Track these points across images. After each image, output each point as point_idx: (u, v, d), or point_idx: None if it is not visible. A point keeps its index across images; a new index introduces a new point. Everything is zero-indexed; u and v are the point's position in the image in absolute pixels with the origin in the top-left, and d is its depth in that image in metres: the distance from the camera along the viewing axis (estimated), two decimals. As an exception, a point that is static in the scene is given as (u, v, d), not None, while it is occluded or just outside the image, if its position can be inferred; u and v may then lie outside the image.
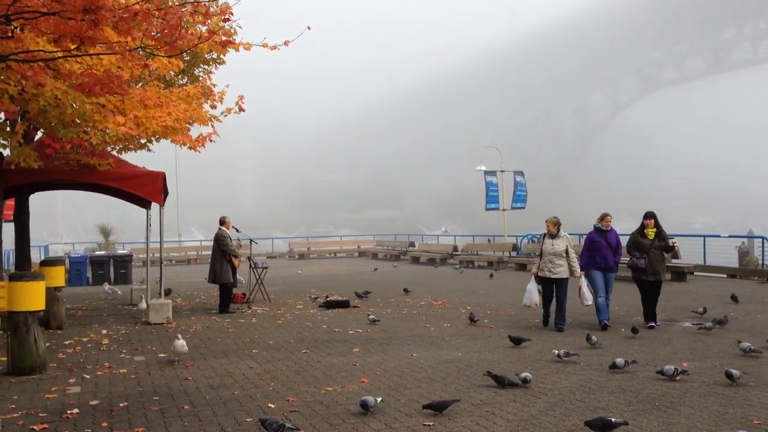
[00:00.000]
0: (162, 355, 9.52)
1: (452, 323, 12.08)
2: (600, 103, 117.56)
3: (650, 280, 11.56)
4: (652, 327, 11.22)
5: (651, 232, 11.61)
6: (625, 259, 12.11)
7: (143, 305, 13.40)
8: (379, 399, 6.41)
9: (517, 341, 9.75)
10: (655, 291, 11.67)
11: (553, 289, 11.54)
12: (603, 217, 11.78)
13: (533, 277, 11.93)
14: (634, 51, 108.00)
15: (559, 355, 8.60)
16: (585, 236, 11.95)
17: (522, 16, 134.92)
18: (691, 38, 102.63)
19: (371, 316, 12.42)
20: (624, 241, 12.17)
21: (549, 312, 11.65)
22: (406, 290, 17.41)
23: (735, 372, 7.25)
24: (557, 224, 11.65)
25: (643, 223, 11.75)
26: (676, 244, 12.21)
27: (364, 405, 6.25)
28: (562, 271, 11.39)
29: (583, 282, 11.48)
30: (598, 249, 11.57)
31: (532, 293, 11.75)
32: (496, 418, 6.19)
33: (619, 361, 7.95)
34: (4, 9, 7.35)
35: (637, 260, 11.52)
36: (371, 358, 9.08)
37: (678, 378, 7.49)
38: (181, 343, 8.75)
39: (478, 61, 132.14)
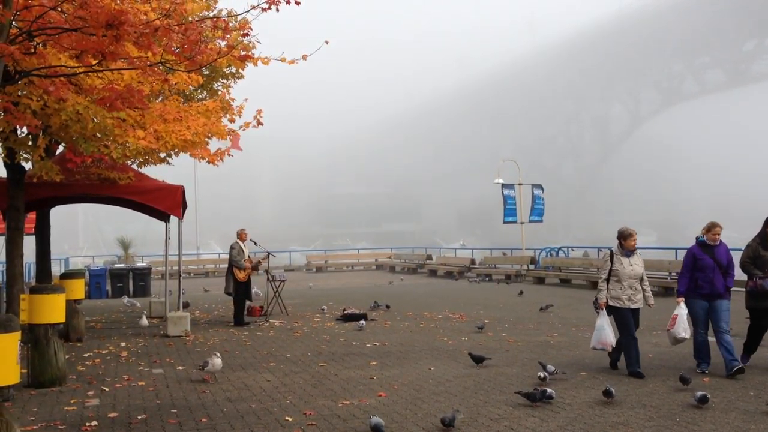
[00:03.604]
0: (180, 367, 9.55)
1: (470, 337, 12.02)
2: (620, 116, 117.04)
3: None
4: (741, 370, 8.44)
5: None
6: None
7: (144, 321, 13.31)
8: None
9: (478, 360, 9.24)
10: None
11: (632, 320, 8.92)
12: (710, 228, 8.85)
13: (602, 310, 8.90)
14: (654, 64, 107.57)
15: (543, 378, 7.95)
16: (685, 252, 9.14)
17: (541, 30, 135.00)
18: (711, 51, 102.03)
19: (361, 321, 13.33)
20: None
21: (638, 351, 8.83)
22: (376, 304, 16.62)
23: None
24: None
25: (766, 231, 9.03)
26: None
27: (378, 429, 6.02)
28: (641, 299, 8.87)
29: (683, 311, 8.87)
30: (702, 269, 8.74)
31: (605, 331, 8.78)
32: (515, 433, 6.15)
33: (614, 391, 7.17)
34: (27, 25, 7.48)
35: (762, 280, 8.74)
36: (389, 371, 9.06)
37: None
38: (219, 362, 8.55)
39: (497, 74, 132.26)
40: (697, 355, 8.88)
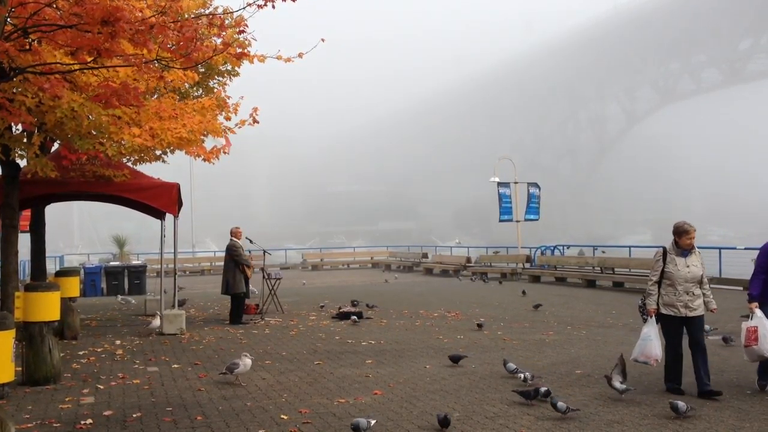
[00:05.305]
0: (176, 365, 9.53)
1: (466, 335, 12.02)
2: (617, 115, 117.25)
3: None
4: None
5: None
6: None
7: (156, 323, 12.68)
8: (372, 421, 6.08)
9: (456, 359, 9.19)
10: None
11: (683, 332, 7.67)
12: None
13: (651, 317, 7.69)
14: (650, 62, 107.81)
15: (525, 378, 7.87)
16: (759, 250, 8.01)
17: (538, 28, 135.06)
18: (707, 50, 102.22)
19: (353, 317, 13.78)
20: None
21: (681, 369, 7.69)
22: (354, 302, 16.31)
23: (681, 405, 6.49)
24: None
25: None
26: None
27: (356, 428, 5.94)
28: (700, 305, 7.58)
29: (763, 321, 7.52)
30: None
31: (652, 342, 7.57)
32: (510, 431, 6.15)
33: (561, 405, 6.53)
34: (22, 22, 7.45)
35: None
36: (384, 369, 9.06)
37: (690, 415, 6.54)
38: (249, 362, 8.34)
39: (494, 72, 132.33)
40: None
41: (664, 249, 7.74)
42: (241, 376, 8.45)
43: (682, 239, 7.58)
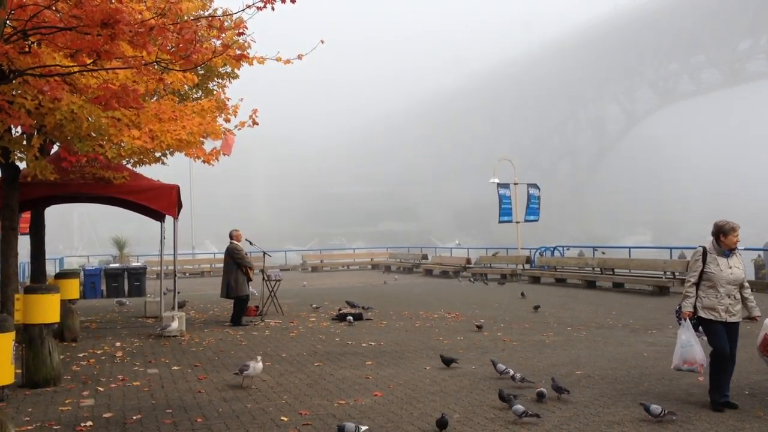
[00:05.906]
0: (176, 367, 9.53)
1: (465, 336, 12.02)
2: (616, 115, 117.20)
3: None
4: None
5: None
6: None
7: (174, 325, 12.26)
8: (363, 427, 5.96)
9: (448, 362, 9.16)
10: None
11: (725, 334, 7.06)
12: None
13: (686, 321, 7.15)
14: (649, 63, 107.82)
15: (514, 377, 7.91)
16: None
17: (537, 29, 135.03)
18: (706, 50, 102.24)
19: (349, 317, 13.89)
20: None
21: (730, 377, 7.12)
22: (350, 304, 16.21)
23: (654, 407, 6.38)
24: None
25: None
26: None
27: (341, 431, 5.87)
28: (739, 311, 7.10)
29: None
30: None
31: (692, 348, 7.04)
32: (510, 433, 6.15)
33: (518, 408, 6.44)
34: (21, 24, 7.46)
35: None
36: (384, 371, 9.06)
37: (665, 418, 6.40)
38: (260, 366, 8.20)
39: (493, 73, 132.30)
40: None
41: (704, 249, 7.21)
42: (246, 379, 8.37)
43: (729, 237, 7.07)
